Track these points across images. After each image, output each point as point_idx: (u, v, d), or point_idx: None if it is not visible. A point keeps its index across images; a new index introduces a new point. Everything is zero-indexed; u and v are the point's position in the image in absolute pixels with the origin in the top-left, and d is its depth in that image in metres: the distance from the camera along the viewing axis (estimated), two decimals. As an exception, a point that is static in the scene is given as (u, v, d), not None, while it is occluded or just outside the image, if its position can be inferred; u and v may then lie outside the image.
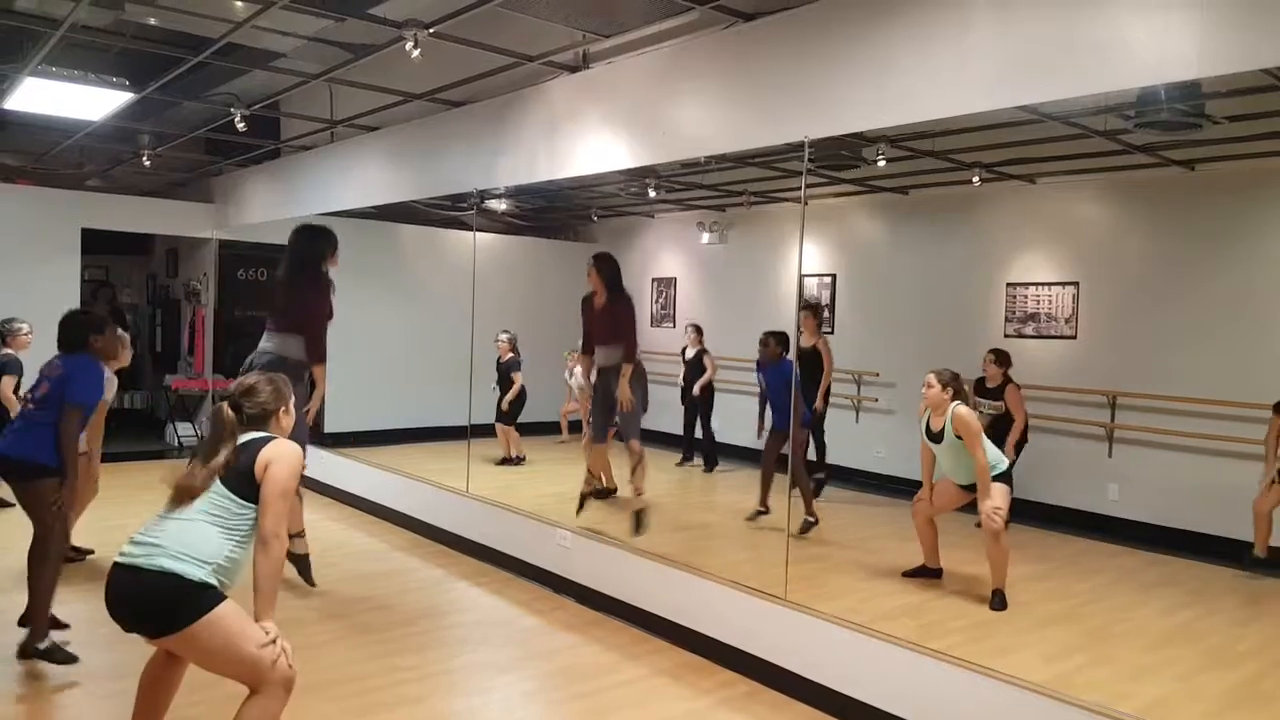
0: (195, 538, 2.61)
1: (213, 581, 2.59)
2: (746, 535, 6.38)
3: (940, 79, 3.60)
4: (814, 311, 7.29)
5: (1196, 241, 6.58)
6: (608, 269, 5.75)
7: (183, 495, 2.67)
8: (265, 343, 4.92)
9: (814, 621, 3.96)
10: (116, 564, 2.62)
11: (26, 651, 3.77)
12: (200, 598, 2.55)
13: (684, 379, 8.71)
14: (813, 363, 7.06)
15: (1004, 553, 4.88)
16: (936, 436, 5.08)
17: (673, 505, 7.21)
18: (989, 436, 5.21)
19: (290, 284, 4.98)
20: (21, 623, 4.04)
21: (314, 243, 5.11)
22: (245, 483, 2.69)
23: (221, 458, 2.71)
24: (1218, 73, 2.98)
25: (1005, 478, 4.97)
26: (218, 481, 2.69)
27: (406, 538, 6.57)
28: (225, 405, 2.82)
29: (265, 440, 2.78)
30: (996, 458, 5.02)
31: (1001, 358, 6.70)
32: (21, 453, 3.88)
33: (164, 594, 2.53)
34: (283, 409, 2.94)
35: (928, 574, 5.34)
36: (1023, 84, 3.41)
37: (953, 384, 5.06)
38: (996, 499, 4.85)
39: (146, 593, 2.55)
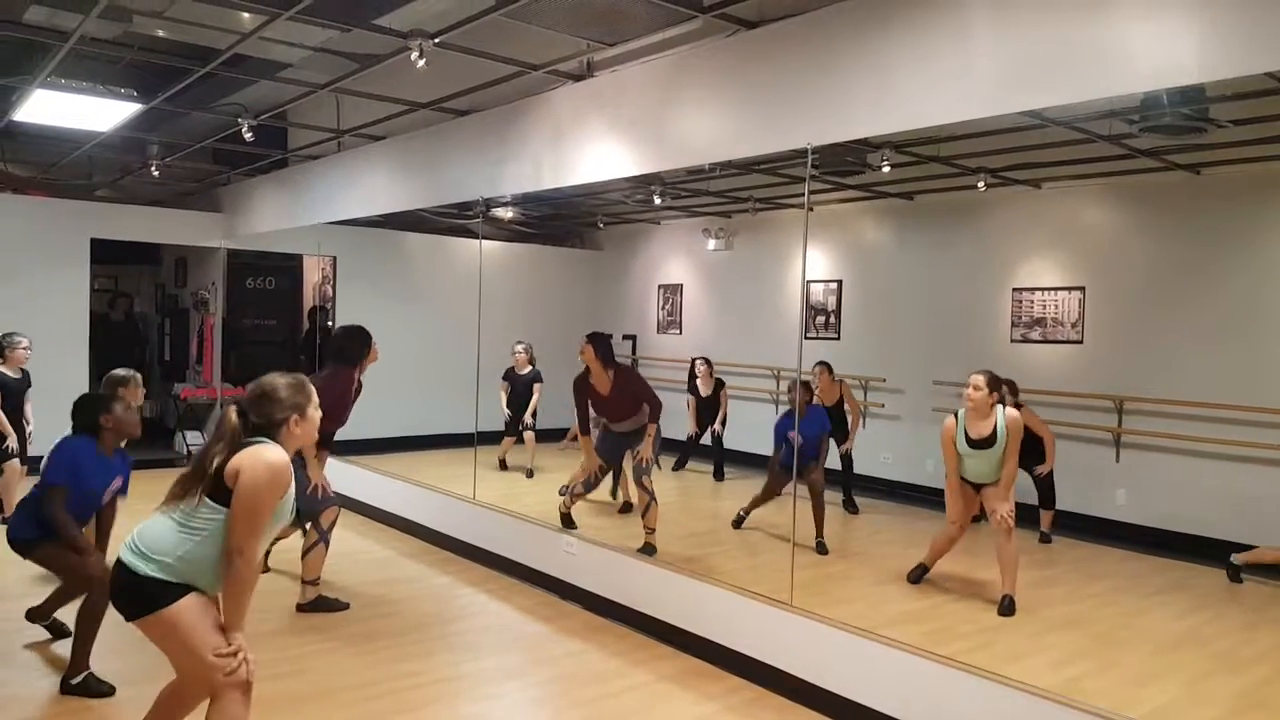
0: (151, 533, 2.64)
1: (164, 577, 2.56)
2: (751, 541, 6.38)
3: (943, 85, 3.61)
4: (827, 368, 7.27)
5: (1203, 245, 6.57)
6: (602, 347, 5.69)
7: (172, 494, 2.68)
8: None
9: (820, 627, 3.96)
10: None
11: (65, 687, 3.75)
12: (151, 592, 2.56)
13: (698, 422, 8.50)
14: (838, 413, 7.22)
15: (1015, 554, 4.90)
16: (984, 443, 4.85)
17: (678, 511, 7.21)
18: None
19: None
20: (30, 617, 4.26)
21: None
22: (214, 484, 2.57)
23: (215, 462, 2.60)
24: (1216, 78, 2.99)
25: None
26: None
27: (413, 544, 6.58)
28: (231, 410, 2.70)
29: (252, 445, 2.63)
30: None
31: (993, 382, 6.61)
32: (16, 535, 3.98)
33: (122, 585, 2.62)
34: (295, 418, 2.71)
35: (920, 570, 5.34)
36: (1024, 89, 3.42)
37: (998, 387, 4.91)
38: (1012, 502, 4.91)
39: (114, 582, 2.66)
